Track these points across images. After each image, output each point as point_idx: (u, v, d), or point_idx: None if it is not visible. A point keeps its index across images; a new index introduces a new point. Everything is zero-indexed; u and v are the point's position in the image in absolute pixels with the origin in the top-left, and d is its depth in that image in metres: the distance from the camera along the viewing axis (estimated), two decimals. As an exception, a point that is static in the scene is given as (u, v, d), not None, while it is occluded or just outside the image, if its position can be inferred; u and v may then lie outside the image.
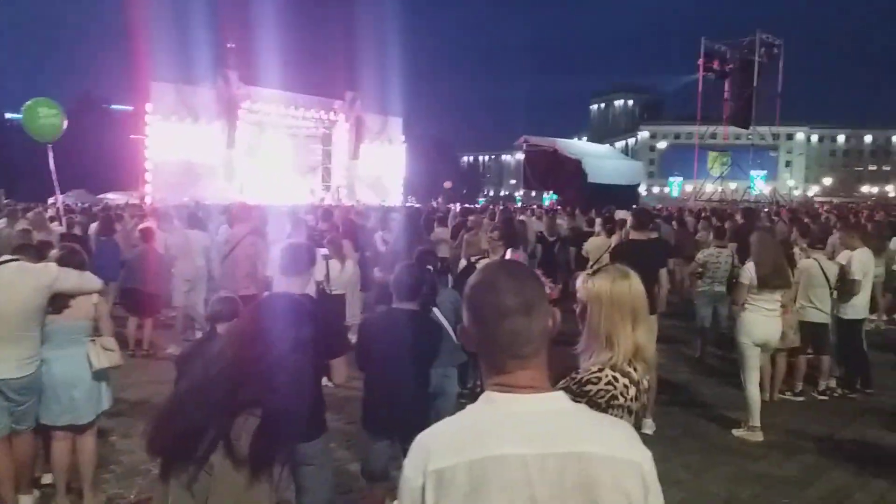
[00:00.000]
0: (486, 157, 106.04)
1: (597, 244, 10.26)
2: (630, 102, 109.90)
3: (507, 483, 1.25)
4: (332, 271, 7.19)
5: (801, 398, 7.29)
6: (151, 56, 38.11)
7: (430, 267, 4.99)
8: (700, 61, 39.61)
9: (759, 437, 6.07)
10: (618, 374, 2.23)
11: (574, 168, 28.32)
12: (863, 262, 7.27)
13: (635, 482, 1.31)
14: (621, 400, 2.20)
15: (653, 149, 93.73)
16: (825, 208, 26.27)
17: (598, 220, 12.29)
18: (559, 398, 1.38)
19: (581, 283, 2.44)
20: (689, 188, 57.37)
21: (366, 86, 44.14)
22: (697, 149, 49.97)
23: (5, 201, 34.49)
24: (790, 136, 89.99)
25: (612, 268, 2.47)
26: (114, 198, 36.73)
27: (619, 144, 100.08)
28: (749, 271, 5.99)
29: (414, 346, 3.90)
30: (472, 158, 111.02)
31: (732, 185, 54.06)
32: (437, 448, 1.32)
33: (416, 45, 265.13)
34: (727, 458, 5.69)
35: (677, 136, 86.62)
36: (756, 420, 6.11)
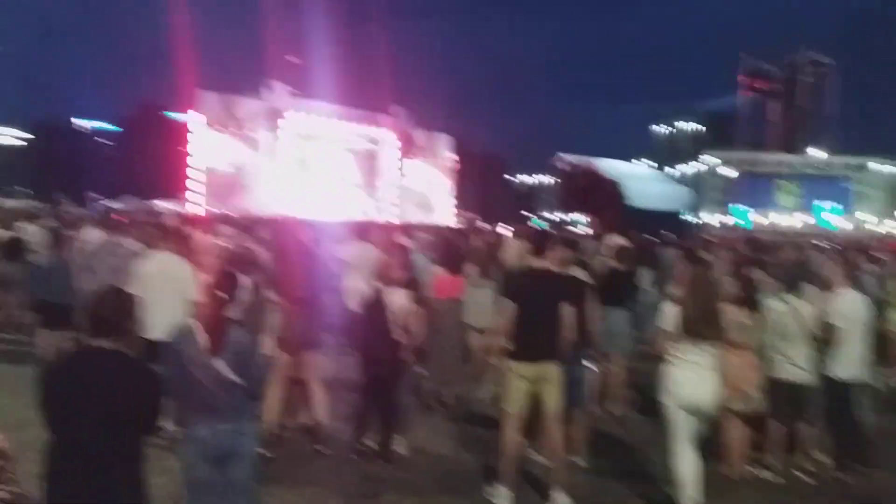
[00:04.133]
0: (546, 178, 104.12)
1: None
2: (695, 126, 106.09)
3: None
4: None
5: (773, 476, 5.84)
6: (198, 65, 38.58)
7: (219, 293, 3.87)
8: (741, 79, 37.19)
9: (687, 530, 4.72)
10: None
11: (612, 190, 26.81)
12: (847, 307, 5.78)
13: None
14: None
15: (718, 175, 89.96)
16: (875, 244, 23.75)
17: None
18: None
19: None
20: (761, 219, 54.32)
21: (414, 101, 43.56)
22: (740, 176, 47.22)
23: (67, 206, 35.43)
24: (861, 167, 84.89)
25: None
26: (161, 205, 37.21)
27: (684, 170, 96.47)
28: (670, 315, 4.68)
29: (110, 398, 2.85)
30: (530, 178, 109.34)
31: (804, 218, 50.84)
32: None
33: (468, 63, 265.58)
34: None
35: (747, 163, 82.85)
36: (686, 508, 4.76)
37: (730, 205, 67.76)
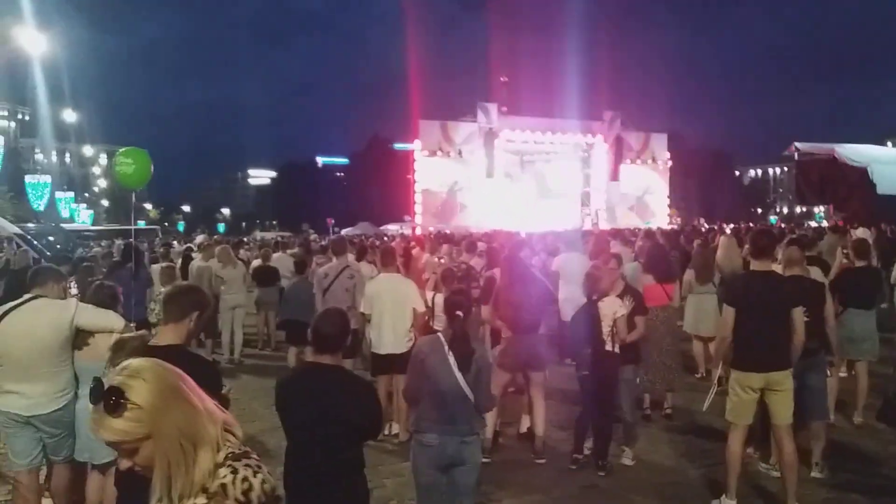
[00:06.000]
0: (777, 170, 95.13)
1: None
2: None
3: None
4: (435, 306, 6.57)
5: None
6: (420, 97, 41.07)
7: (458, 312, 4.03)
8: None
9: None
10: None
11: (858, 178, 23.96)
12: None
13: None
14: None
15: None
16: None
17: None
18: None
19: None
20: None
21: (627, 104, 42.56)
22: None
23: (312, 235, 39.63)
24: None
25: None
26: (393, 228, 40.13)
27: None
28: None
29: (330, 408, 3.20)
30: (758, 172, 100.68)
31: None
32: None
33: (691, 55, 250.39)
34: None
35: None
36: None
37: None
